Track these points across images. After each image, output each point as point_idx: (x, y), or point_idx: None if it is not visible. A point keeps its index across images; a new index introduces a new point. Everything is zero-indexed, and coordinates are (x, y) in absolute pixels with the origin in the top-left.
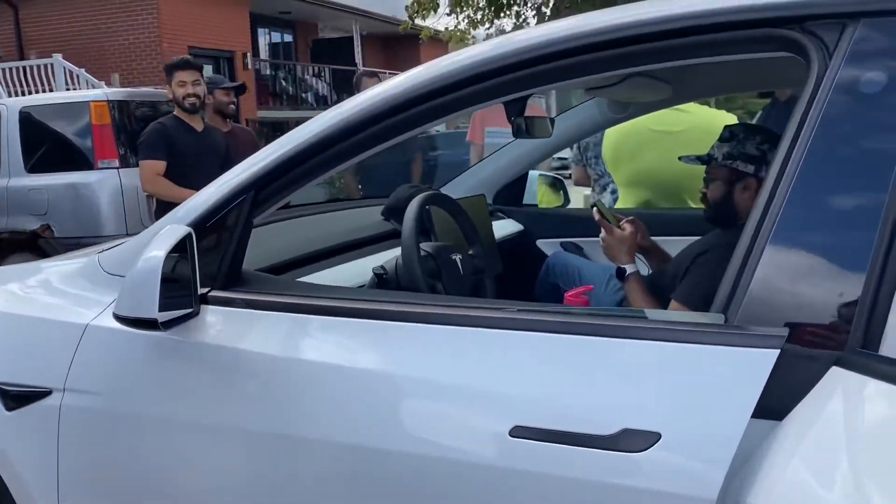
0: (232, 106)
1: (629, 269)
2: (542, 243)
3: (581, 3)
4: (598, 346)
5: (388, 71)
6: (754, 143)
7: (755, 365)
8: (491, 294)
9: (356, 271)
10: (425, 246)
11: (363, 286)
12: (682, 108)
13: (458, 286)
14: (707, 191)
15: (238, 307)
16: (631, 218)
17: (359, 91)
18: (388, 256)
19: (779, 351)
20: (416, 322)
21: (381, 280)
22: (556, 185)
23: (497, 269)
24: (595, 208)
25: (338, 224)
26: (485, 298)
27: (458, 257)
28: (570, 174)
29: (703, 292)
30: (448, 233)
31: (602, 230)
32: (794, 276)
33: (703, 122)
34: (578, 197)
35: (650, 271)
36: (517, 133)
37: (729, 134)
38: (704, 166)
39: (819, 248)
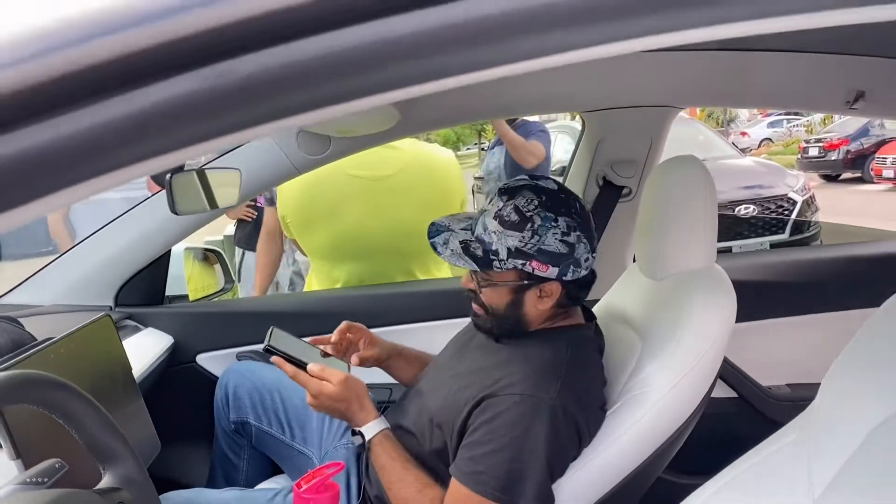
0: None
1: (370, 430)
2: (206, 359)
3: None
4: None
5: None
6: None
7: None
8: None
9: None
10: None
11: None
12: (392, 146)
13: None
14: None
15: None
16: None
17: None
18: None
19: None
20: None
21: None
22: (212, 260)
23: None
24: (269, 342)
25: None
26: None
27: None
28: None
29: (504, 472)
30: (43, 437)
31: (302, 384)
32: None
33: (417, 161)
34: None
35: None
36: (175, 205)
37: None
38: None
39: None
